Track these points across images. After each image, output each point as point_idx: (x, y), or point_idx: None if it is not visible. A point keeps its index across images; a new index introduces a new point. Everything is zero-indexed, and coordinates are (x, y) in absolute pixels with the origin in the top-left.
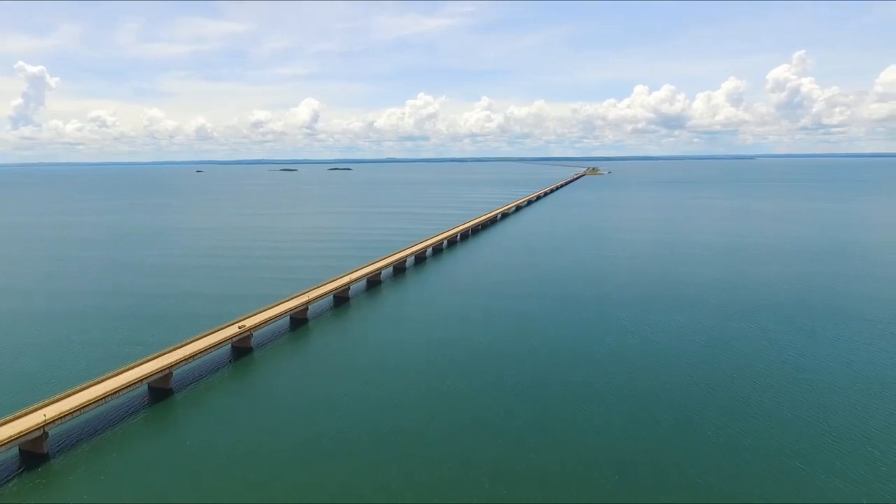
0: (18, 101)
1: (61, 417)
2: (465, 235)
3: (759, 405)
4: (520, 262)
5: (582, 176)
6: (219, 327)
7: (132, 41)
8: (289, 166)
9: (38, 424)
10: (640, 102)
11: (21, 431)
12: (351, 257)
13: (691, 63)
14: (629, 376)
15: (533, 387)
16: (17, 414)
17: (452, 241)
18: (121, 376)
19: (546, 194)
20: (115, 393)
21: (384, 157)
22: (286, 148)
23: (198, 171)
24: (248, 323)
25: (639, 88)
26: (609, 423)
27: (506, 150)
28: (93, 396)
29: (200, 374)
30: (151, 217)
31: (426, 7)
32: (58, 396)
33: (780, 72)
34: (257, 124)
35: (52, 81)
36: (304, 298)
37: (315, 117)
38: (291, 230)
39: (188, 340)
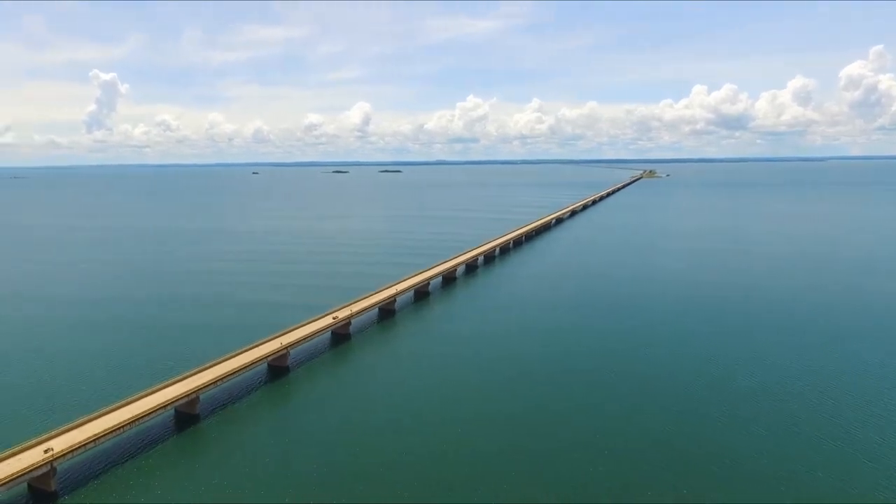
0: (92, 106)
1: (71, 451)
2: (519, 242)
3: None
4: (577, 273)
5: (639, 179)
6: (253, 344)
7: (194, 48)
8: (340, 168)
9: (44, 460)
10: (699, 102)
11: (25, 468)
12: (398, 265)
13: (753, 61)
14: (695, 413)
15: (587, 413)
16: (22, 447)
17: (505, 249)
18: (141, 402)
19: (602, 198)
20: (133, 421)
21: (434, 159)
22: (338, 150)
23: (254, 173)
24: (285, 339)
25: (697, 88)
26: (682, 460)
27: (556, 152)
28: (108, 426)
29: (231, 397)
30: (199, 219)
31: (475, 9)
32: (68, 426)
33: (854, 68)
34: (311, 127)
35: (123, 88)
36: (346, 312)
37: (366, 120)
38: (337, 234)
39: (218, 360)
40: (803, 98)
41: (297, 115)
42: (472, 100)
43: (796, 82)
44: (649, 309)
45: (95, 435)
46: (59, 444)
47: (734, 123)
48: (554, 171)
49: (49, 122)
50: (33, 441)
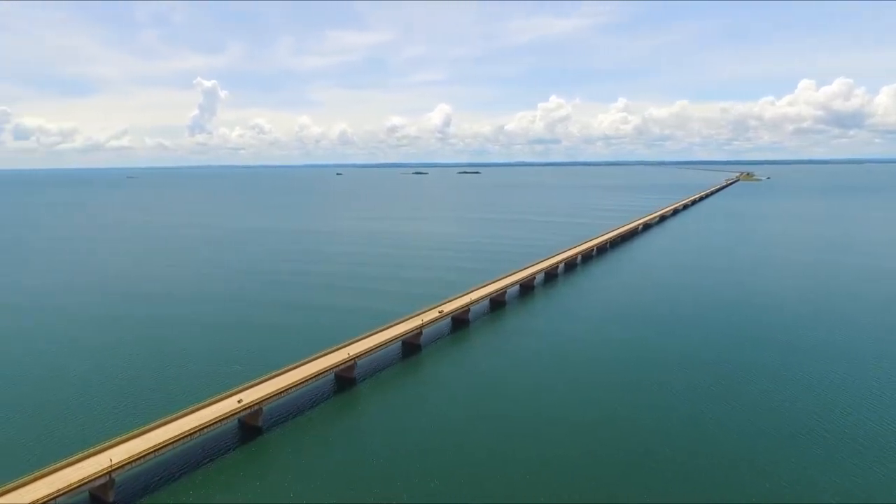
0: (195, 111)
1: (130, 461)
2: (603, 249)
3: None
4: (667, 284)
5: (735, 182)
6: (319, 354)
7: (286, 55)
8: (420, 169)
9: (103, 470)
10: (806, 99)
11: (85, 478)
12: (473, 270)
13: (871, 53)
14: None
15: (665, 427)
16: (81, 455)
17: (588, 256)
18: (204, 411)
19: (695, 202)
20: (195, 431)
21: (514, 160)
22: (419, 151)
23: (337, 174)
24: (353, 350)
25: (804, 83)
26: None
27: (643, 154)
28: (170, 436)
29: (296, 408)
30: (284, 219)
31: (560, 8)
32: (130, 434)
33: None
34: (393, 129)
35: (222, 94)
36: (417, 321)
37: (447, 121)
38: (411, 237)
39: (283, 370)
40: None
41: (380, 118)
42: (554, 100)
43: None
44: (751, 328)
45: (156, 445)
46: (120, 453)
47: (848, 121)
48: (640, 173)
49: (158, 126)
50: (95, 449)
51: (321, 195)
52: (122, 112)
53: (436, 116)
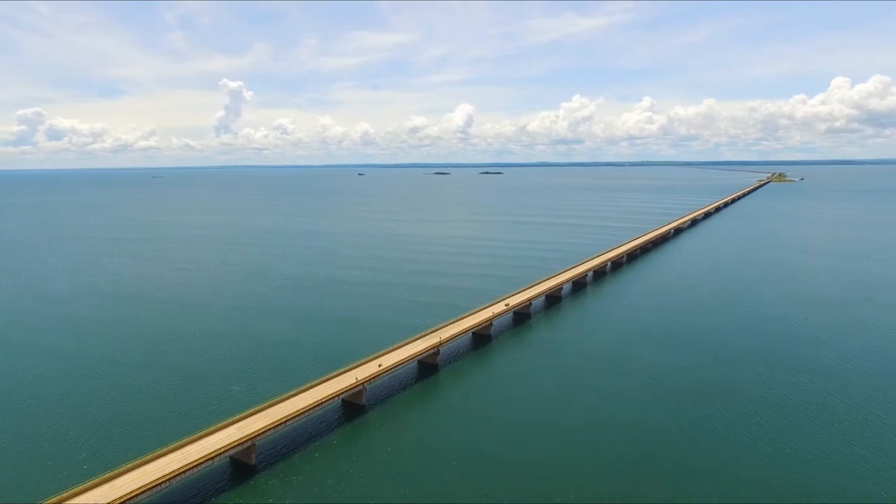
0: (221, 112)
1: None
2: (633, 255)
3: None
4: (705, 297)
5: (766, 183)
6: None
7: (310, 56)
8: (442, 170)
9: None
10: (839, 97)
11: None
12: (496, 278)
13: None
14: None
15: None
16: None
17: (618, 263)
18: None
19: (726, 204)
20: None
21: (535, 160)
22: (440, 152)
23: (359, 174)
24: (361, 374)
25: (838, 81)
26: None
27: (668, 154)
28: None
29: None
30: (308, 220)
31: (583, 7)
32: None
33: None
34: (414, 129)
35: (247, 95)
36: (434, 339)
37: (469, 122)
38: (431, 241)
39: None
40: None
41: (401, 118)
42: (577, 100)
43: None
44: (798, 347)
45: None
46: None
47: (884, 120)
48: (665, 173)
49: (184, 127)
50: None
51: (341, 195)
52: (150, 113)
53: (457, 116)
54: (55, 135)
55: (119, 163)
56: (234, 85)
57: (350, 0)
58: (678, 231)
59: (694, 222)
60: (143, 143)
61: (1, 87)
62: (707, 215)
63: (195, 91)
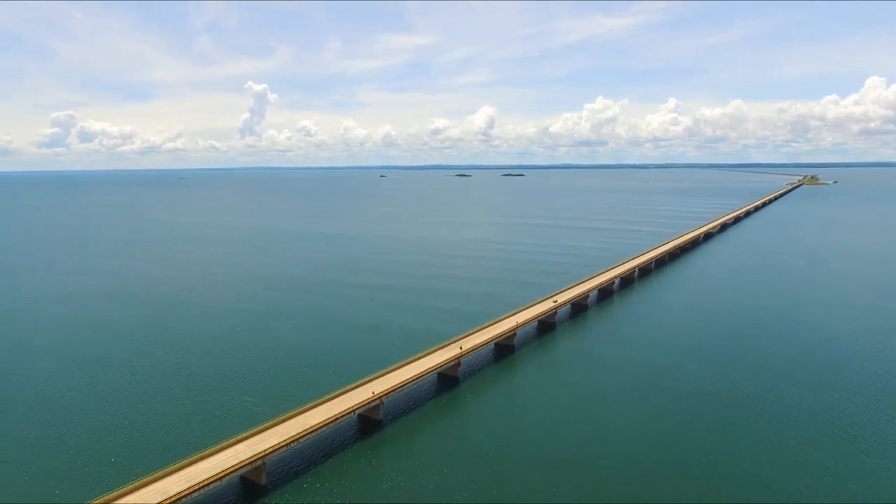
0: (245, 114)
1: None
2: (661, 262)
3: None
4: (739, 308)
5: (798, 186)
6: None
7: (334, 58)
8: (463, 172)
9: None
10: (874, 97)
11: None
12: (516, 284)
13: None
14: None
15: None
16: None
17: (646, 270)
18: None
19: (757, 208)
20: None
21: (558, 162)
22: (462, 153)
23: (381, 176)
24: (378, 388)
25: (872, 81)
26: None
27: (693, 156)
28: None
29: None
30: (314, 221)
31: (609, 8)
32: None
33: None
34: (436, 131)
35: (272, 97)
36: (455, 350)
37: (490, 123)
38: (452, 245)
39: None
40: None
41: (423, 120)
42: (601, 101)
43: None
44: (841, 361)
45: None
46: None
47: None
48: (692, 175)
49: (210, 129)
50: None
51: (362, 197)
52: (177, 115)
53: (479, 118)
54: (86, 137)
55: (147, 164)
56: (258, 88)
57: (374, 0)
58: (708, 236)
59: (724, 227)
60: (170, 145)
61: (38, 91)
62: (737, 220)
63: (221, 93)
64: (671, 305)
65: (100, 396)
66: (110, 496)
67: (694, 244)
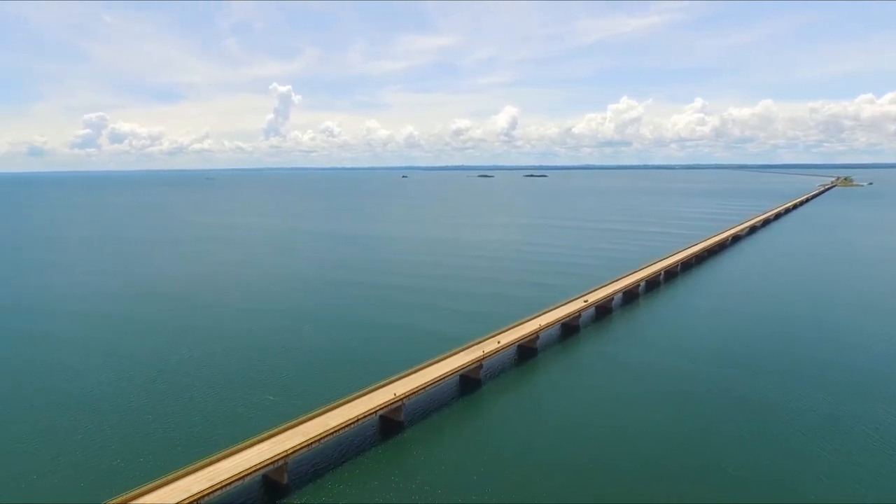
0: (270, 115)
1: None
2: (688, 265)
3: None
4: (768, 314)
5: (831, 187)
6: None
7: (359, 60)
8: (486, 172)
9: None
10: None
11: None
12: (539, 286)
13: None
14: None
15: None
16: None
17: (672, 273)
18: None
19: (787, 210)
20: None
21: (581, 162)
22: (484, 154)
23: (403, 177)
24: (400, 389)
25: None
26: None
27: (720, 156)
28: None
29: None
30: (338, 221)
31: (632, 7)
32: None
33: None
34: (458, 132)
35: (296, 98)
36: (477, 352)
37: (513, 124)
38: (474, 246)
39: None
40: None
41: (446, 121)
42: (625, 101)
43: None
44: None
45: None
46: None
47: None
48: (719, 176)
49: (236, 130)
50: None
51: (384, 198)
52: (205, 116)
53: (501, 119)
54: (117, 138)
55: (175, 164)
56: (283, 89)
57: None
58: (736, 239)
59: (753, 229)
60: (197, 146)
61: (71, 94)
62: (766, 222)
63: (247, 95)
64: (698, 309)
65: (126, 393)
66: (133, 493)
67: (721, 247)
